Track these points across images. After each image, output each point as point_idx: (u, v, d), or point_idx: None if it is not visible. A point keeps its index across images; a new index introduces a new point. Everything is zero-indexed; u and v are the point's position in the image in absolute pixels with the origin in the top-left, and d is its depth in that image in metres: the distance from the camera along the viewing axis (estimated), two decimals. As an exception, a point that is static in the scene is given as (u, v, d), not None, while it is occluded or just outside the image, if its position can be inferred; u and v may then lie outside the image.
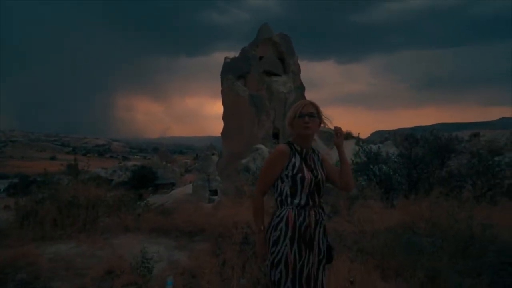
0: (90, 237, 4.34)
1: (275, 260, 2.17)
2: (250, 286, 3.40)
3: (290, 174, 2.22)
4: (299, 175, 2.21)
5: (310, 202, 2.23)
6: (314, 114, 2.28)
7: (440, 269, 3.59)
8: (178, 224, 4.89)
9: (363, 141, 10.13)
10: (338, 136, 2.35)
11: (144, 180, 46.35)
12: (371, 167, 9.04)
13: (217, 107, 29.45)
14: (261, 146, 24.36)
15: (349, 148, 12.30)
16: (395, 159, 9.16)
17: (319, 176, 2.29)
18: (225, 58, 29.31)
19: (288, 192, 2.23)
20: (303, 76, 31.90)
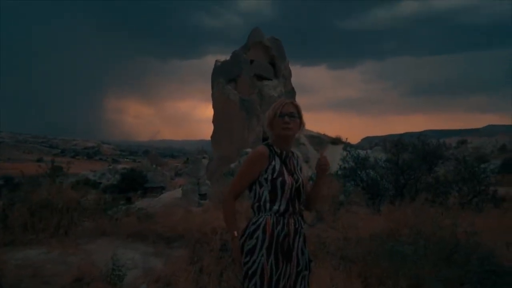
0: (62, 242, 4.15)
1: (250, 271, 2.01)
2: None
3: (269, 178, 2.07)
4: (280, 179, 2.07)
5: (290, 209, 2.09)
6: (294, 114, 2.15)
7: (423, 278, 3.49)
8: (156, 229, 4.72)
9: (351, 146, 10.07)
10: (323, 168, 2.19)
11: (133, 184, 45.80)
12: (359, 172, 8.97)
13: (209, 111, 29.28)
14: (251, 150, 24.19)
15: (337, 153, 12.25)
16: (383, 165, 9.11)
17: (300, 180, 2.16)
18: (216, 61, 29.21)
19: (267, 198, 2.08)
20: (295, 80, 31.96)
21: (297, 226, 2.12)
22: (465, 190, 8.13)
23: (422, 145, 10.34)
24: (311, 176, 9.02)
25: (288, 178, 2.09)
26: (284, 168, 2.12)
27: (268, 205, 2.08)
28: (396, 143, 9.95)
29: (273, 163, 2.10)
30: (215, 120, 27.71)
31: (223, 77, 27.38)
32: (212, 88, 28.31)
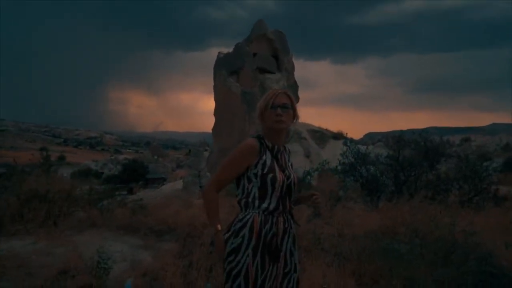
0: (50, 233, 4.07)
1: (234, 272, 1.88)
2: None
3: (259, 173, 1.93)
4: (270, 175, 1.93)
5: (280, 207, 1.95)
6: (287, 105, 2.00)
7: (418, 278, 3.38)
8: (148, 222, 4.63)
9: (351, 141, 9.92)
10: (314, 205, 2.10)
11: (134, 174, 45.90)
12: (358, 168, 8.84)
13: (211, 103, 29.06)
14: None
15: (338, 148, 12.12)
16: (383, 161, 8.98)
17: (291, 177, 2.03)
18: (219, 53, 28.93)
19: (257, 194, 1.94)
20: (298, 74, 31.67)
21: (286, 225, 1.99)
22: (466, 188, 8.00)
23: (424, 142, 10.20)
24: (309, 171, 8.97)
25: (279, 175, 1.96)
26: (275, 164, 1.98)
27: (256, 202, 1.94)
28: (397, 139, 9.81)
29: (263, 157, 1.96)
30: (217, 112, 27.55)
31: (226, 69, 27.16)
32: (214, 80, 28.12)
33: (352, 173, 8.92)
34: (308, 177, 7.63)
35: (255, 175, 1.95)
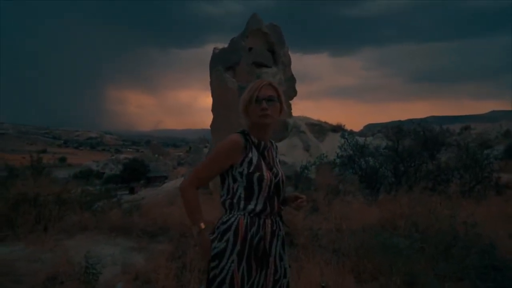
0: (40, 238, 3.95)
1: (218, 279, 1.74)
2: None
3: (245, 172, 1.78)
4: (257, 174, 1.78)
5: (268, 208, 1.81)
6: (273, 97, 1.84)
7: (418, 273, 3.27)
8: (141, 223, 4.52)
9: (349, 133, 9.78)
10: (298, 208, 1.95)
11: (135, 173, 45.87)
12: (357, 160, 8.71)
13: (210, 100, 28.85)
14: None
15: (337, 141, 11.98)
16: (382, 152, 8.85)
17: (279, 175, 1.88)
18: (214, 49, 28.64)
19: (242, 195, 1.79)
20: (297, 68, 31.42)
21: (274, 228, 1.85)
22: (467, 177, 7.87)
23: (423, 131, 10.06)
24: (306, 165, 8.86)
25: (266, 173, 1.81)
26: (262, 161, 1.83)
27: (242, 203, 1.79)
28: (396, 129, 9.67)
29: (249, 155, 1.81)
30: (214, 109, 27.36)
31: (221, 65, 26.92)
32: (211, 76, 27.90)
33: (351, 166, 8.80)
34: (306, 171, 7.50)
35: (241, 174, 1.80)
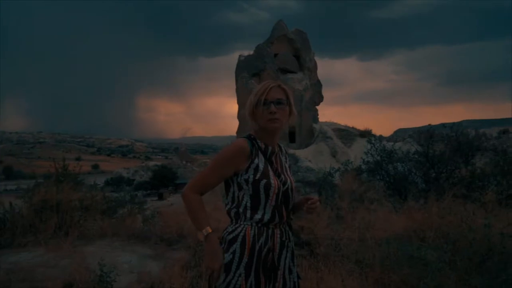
0: (60, 244, 3.99)
1: None
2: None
3: (251, 179, 1.68)
4: (264, 181, 1.68)
5: (276, 218, 1.71)
6: (282, 100, 1.73)
7: (448, 288, 3.02)
8: (160, 230, 4.49)
9: (375, 138, 9.45)
10: (311, 211, 1.80)
11: (164, 180, 46.80)
12: (384, 165, 8.37)
13: (236, 106, 29.08)
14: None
15: (363, 146, 11.63)
16: (411, 157, 8.46)
17: (288, 183, 1.77)
18: (240, 56, 28.99)
19: (249, 204, 1.69)
20: (324, 73, 31.30)
21: (284, 238, 1.74)
22: (504, 184, 7.35)
23: (456, 136, 9.57)
24: (330, 171, 8.59)
25: (274, 180, 1.70)
26: (269, 168, 1.73)
27: (248, 212, 1.69)
28: (426, 134, 9.25)
29: (255, 161, 1.70)
30: (240, 115, 27.54)
31: (247, 72, 27.11)
32: (236, 82, 28.14)
33: (378, 172, 8.46)
34: (329, 177, 7.29)
35: (246, 181, 1.69)
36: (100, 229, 4.58)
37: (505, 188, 7.22)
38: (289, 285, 1.76)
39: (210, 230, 1.67)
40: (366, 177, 8.68)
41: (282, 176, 1.77)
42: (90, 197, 4.77)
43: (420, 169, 8.14)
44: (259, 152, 1.74)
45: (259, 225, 1.69)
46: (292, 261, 1.79)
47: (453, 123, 10.59)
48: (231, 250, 1.66)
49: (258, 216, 1.69)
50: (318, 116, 30.35)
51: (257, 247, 1.65)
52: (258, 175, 1.69)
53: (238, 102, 27.69)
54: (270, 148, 1.77)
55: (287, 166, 1.87)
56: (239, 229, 1.68)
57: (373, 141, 8.65)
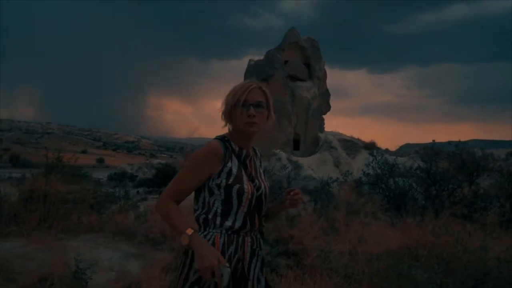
0: (42, 237, 3.90)
1: None
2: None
3: (223, 184, 1.57)
4: (237, 186, 1.57)
5: (248, 226, 1.60)
6: (262, 103, 1.63)
7: (438, 312, 2.87)
8: (146, 229, 4.39)
9: (383, 151, 9.30)
10: (294, 203, 1.69)
11: (167, 178, 46.81)
12: (385, 179, 8.20)
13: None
14: (280, 151, 23.73)
15: (364, 157, 11.46)
16: (412, 173, 8.29)
17: (262, 188, 1.66)
18: (250, 60, 28.97)
19: (219, 210, 1.59)
20: (333, 83, 31.21)
21: (254, 247, 1.63)
22: (507, 207, 7.15)
23: (460, 154, 9.39)
24: (327, 181, 8.45)
25: (247, 186, 1.60)
26: (243, 172, 1.62)
27: (218, 219, 1.58)
28: (429, 150, 9.08)
29: (228, 164, 1.60)
30: (246, 119, 27.48)
31: (256, 76, 27.03)
32: (244, 87, 28.14)
33: (379, 185, 8.30)
34: (326, 187, 7.15)
35: (218, 186, 1.58)
36: (88, 224, 4.48)
37: (508, 210, 7.02)
38: None
39: (192, 231, 1.53)
40: (366, 190, 8.52)
41: (257, 181, 1.67)
42: (78, 190, 4.68)
43: (421, 185, 7.97)
44: (233, 155, 1.63)
45: (229, 232, 1.58)
46: (261, 271, 1.68)
47: (459, 141, 10.40)
48: None
49: (228, 223, 1.58)
50: (324, 126, 30.22)
51: (226, 257, 1.53)
52: (231, 180, 1.58)
53: (245, 106, 27.69)
54: (244, 151, 1.67)
55: (261, 170, 1.77)
56: (207, 237, 1.56)
57: (374, 154, 8.50)
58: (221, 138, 1.66)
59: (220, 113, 1.68)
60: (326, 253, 4.02)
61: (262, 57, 29.42)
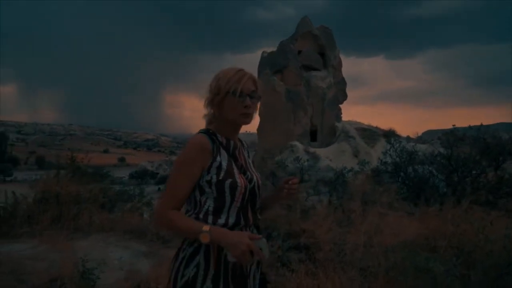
0: (53, 237, 3.93)
1: None
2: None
3: (214, 180, 1.46)
4: (229, 181, 1.46)
5: (242, 221, 1.49)
6: (255, 94, 1.53)
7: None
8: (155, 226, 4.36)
9: (395, 138, 9.02)
10: (291, 192, 1.59)
11: (185, 175, 47.36)
12: (404, 167, 7.95)
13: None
14: (296, 143, 23.50)
15: (381, 146, 11.16)
16: (433, 160, 8.00)
17: (254, 179, 1.56)
18: (263, 52, 28.68)
19: (211, 208, 1.47)
20: (350, 71, 30.63)
21: None
22: (534, 191, 6.81)
23: (483, 138, 9.00)
24: (342, 171, 8.25)
25: (240, 179, 1.49)
26: (233, 165, 1.51)
27: (210, 218, 1.46)
28: (450, 135, 8.75)
29: (218, 159, 1.48)
30: (261, 112, 27.29)
31: (270, 68, 26.81)
32: (258, 79, 27.94)
33: (398, 174, 8.05)
34: (341, 177, 6.97)
35: (209, 183, 1.46)
36: (100, 223, 4.49)
37: (535, 195, 6.68)
38: None
39: (209, 226, 1.40)
40: (384, 179, 8.29)
41: (248, 172, 1.56)
42: (88, 190, 4.70)
43: (442, 173, 7.67)
44: (221, 148, 1.52)
45: None
46: (257, 268, 1.57)
47: (481, 125, 9.98)
48: (194, 264, 1.43)
49: (221, 221, 1.46)
50: (342, 115, 29.72)
51: (223, 256, 1.43)
52: (222, 175, 1.47)
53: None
54: (232, 142, 1.56)
55: (250, 161, 1.66)
56: None
57: (392, 142, 8.23)
58: (205, 132, 1.55)
59: (205, 100, 1.57)
60: (340, 246, 3.89)
61: (275, 49, 29.10)
